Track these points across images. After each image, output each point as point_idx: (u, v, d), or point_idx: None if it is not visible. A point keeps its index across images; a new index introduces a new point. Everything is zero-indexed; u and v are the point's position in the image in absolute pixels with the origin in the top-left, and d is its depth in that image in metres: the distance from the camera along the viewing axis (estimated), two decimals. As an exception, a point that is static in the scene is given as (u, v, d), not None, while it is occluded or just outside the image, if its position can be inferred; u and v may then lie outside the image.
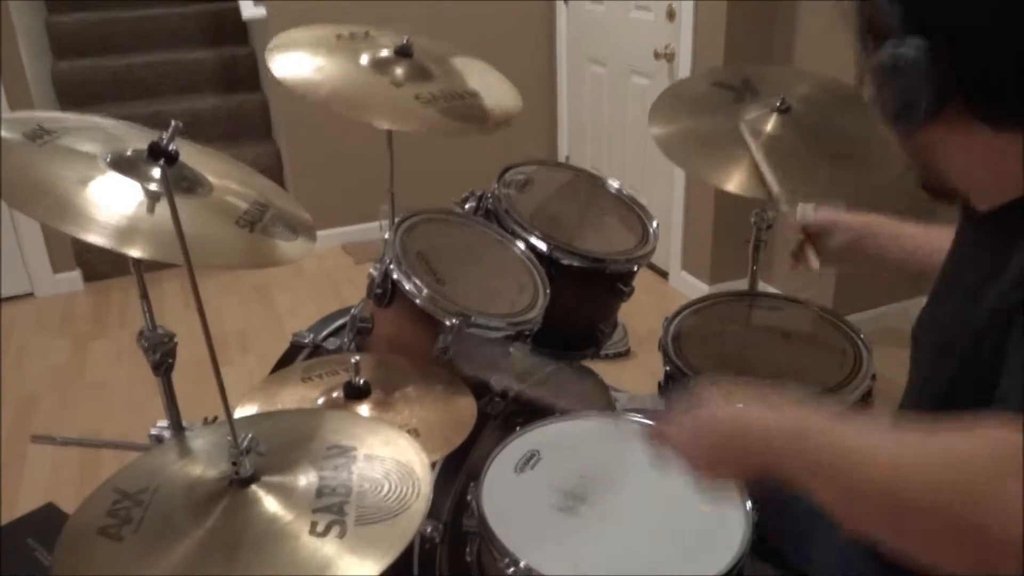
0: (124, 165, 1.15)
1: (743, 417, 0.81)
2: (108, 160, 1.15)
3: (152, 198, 1.11)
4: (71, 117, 1.28)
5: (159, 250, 1.04)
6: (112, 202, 1.08)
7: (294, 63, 1.61)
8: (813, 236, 1.37)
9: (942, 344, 0.90)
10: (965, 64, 0.76)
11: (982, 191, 0.86)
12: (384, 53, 1.68)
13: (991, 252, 0.84)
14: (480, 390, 1.42)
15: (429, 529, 1.28)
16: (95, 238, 1.02)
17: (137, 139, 1.23)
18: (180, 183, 1.19)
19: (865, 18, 0.83)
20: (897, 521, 0.68)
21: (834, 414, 0.74)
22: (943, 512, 0.65)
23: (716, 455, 0.84)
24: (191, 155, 1.27)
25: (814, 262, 1.36)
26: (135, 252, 1.04)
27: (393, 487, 0.92)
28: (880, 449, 0.70)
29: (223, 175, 1.30)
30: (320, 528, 0.85)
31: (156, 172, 1.15)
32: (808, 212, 1.40)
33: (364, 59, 1.66)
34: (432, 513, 1.25)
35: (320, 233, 1.45)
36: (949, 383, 0.87)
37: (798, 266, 1.39)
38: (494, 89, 1.77)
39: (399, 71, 1.66)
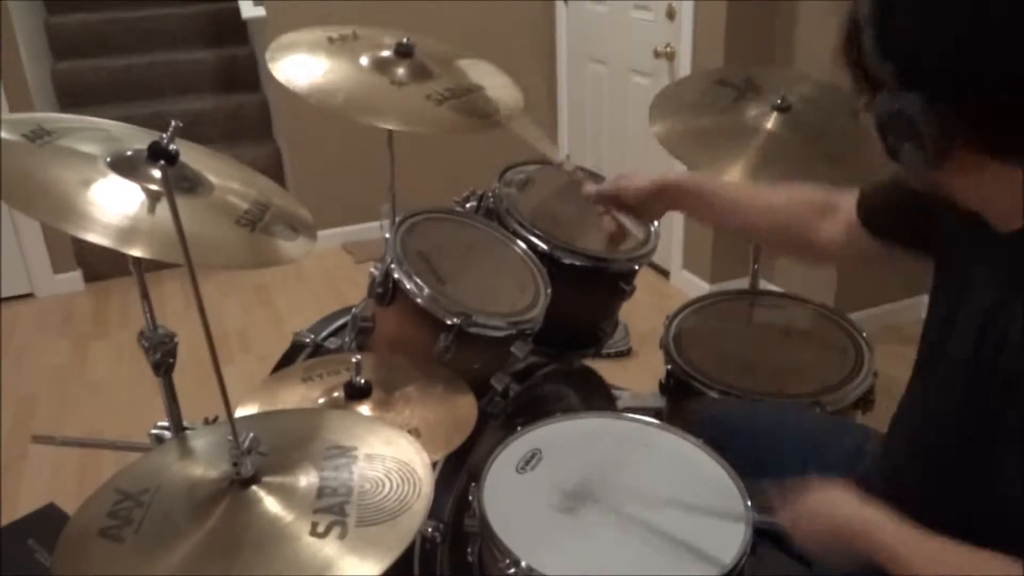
0: (124, 165, 1.15)
1: (854, 520, 0.93)
2: (108, 161, 1.15)
3: (153, 198, 1.11)
4: (71, 118, 1.28)
5: (160, 250, 1.04)
6: (113, 202, 1.08)
7: (300, 71, 1.59)
8: (615, 203, 1.33)
9: (955, 365, 0.90)
10: (965, 105, 0.77)
11: (1001, 217, 0.86)
12: (384, 53, 1.67)
13: (1011, 274, 0.85)
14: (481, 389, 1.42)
15: (430, 529, 1.28)
16: (96, 237, 1.02)
17: (137, 139, 1.23)
18: (181, 183, 1.19)
19: (859, 68, 0.82)
20: None
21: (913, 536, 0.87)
22: None
23: (824, 538, 0.95)
24: (191, 155, 1.27)
25: (635, 229, 1.35)
26: (136, 252, 1.04)
27: (394, 487, 0.92)
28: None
29: (223, 175, 1.30)
30: (321, 528, 0.85)
31: (156, 172, 1.15)
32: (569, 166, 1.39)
33: (364, 61, 1.66)
34: (433, 513, 1.25)
35: (320, 233, 1.45)
36: (960, 408, 0.89)
37: (621, 242, 1.37)
38: (494, 84, 1.77)
39: (400, 71, 1.65)
